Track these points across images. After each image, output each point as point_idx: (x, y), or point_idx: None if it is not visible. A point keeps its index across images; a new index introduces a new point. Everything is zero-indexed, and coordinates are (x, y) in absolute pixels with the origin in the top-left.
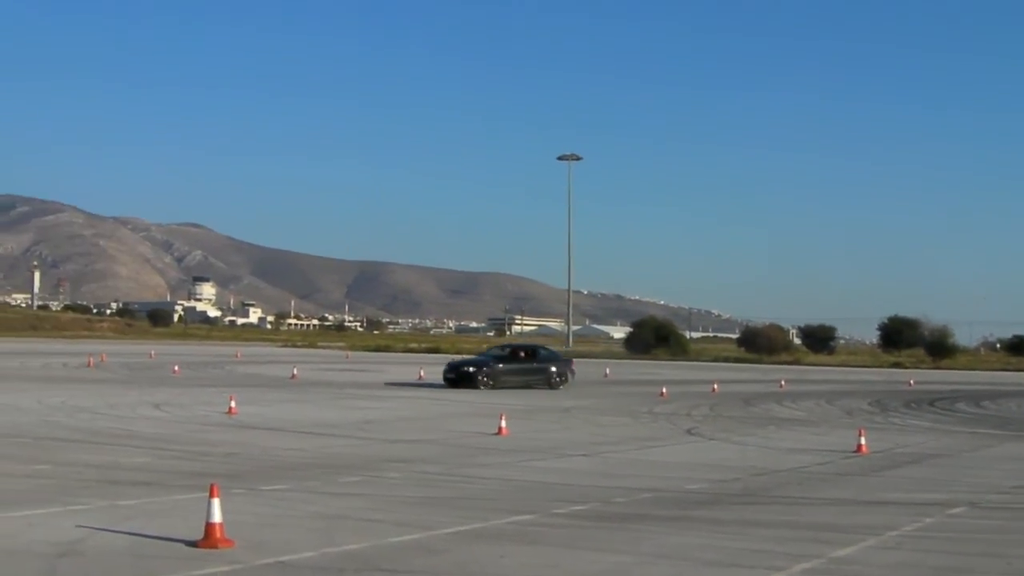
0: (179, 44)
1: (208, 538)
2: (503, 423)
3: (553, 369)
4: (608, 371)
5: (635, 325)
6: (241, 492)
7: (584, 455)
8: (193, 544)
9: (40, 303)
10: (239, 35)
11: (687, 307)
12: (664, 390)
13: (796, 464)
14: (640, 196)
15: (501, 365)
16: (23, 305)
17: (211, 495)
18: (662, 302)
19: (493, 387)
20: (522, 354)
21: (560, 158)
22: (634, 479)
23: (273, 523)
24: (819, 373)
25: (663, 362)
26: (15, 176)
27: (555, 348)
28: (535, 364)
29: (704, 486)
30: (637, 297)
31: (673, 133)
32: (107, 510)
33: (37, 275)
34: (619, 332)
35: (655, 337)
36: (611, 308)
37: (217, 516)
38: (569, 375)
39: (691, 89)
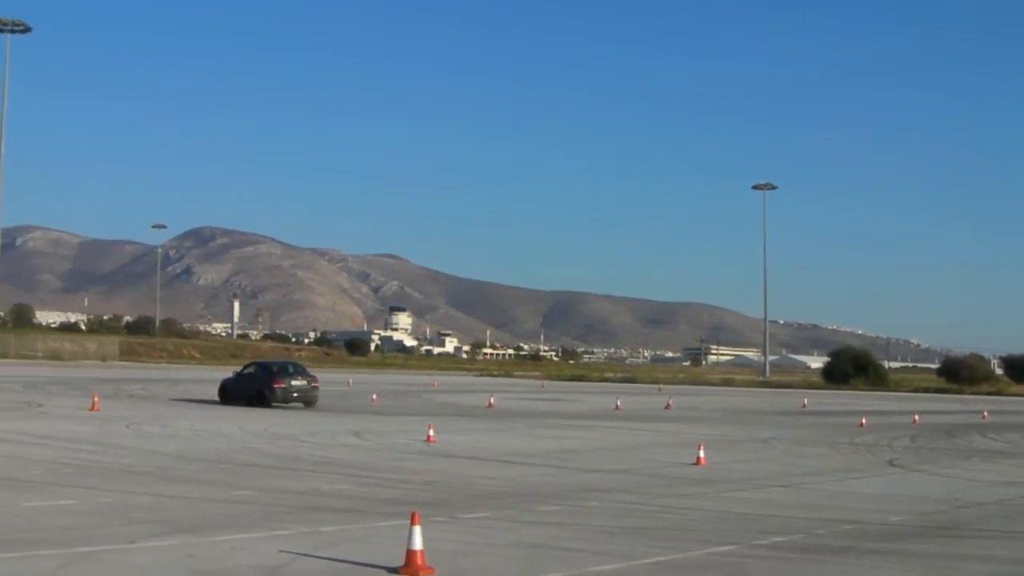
0: (374, 79)
1: (409, 565)
2: (701, 453)
3: None
4: (806, 401)
5: (832, 355)
6: (441, 520)
7: (784, 486)
8: (394, 571)
9: (240, 332)
10: (434, 72)
11: (885, 336)
12: (864, 420)
13: (1001, 497)
14: (836, 224)
15: None
16: (223, 334)
17: (412, 523)
18: (860, 331)
19: None
20: None
21: (755, 187)
22: (835, 510)
23: (473, 551)
24: (1023, 404)
25: (861, 392)
26: (215, 209)
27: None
28: None
29: (907, 518)
30: (834, 326)
31: (867, 161)
32: (309, 536)
33: (237, 305)
34: (816, 362)
35: (853, 367)
36: (807, 338)
37: (418, 543)
38: None
39: (877, 121)
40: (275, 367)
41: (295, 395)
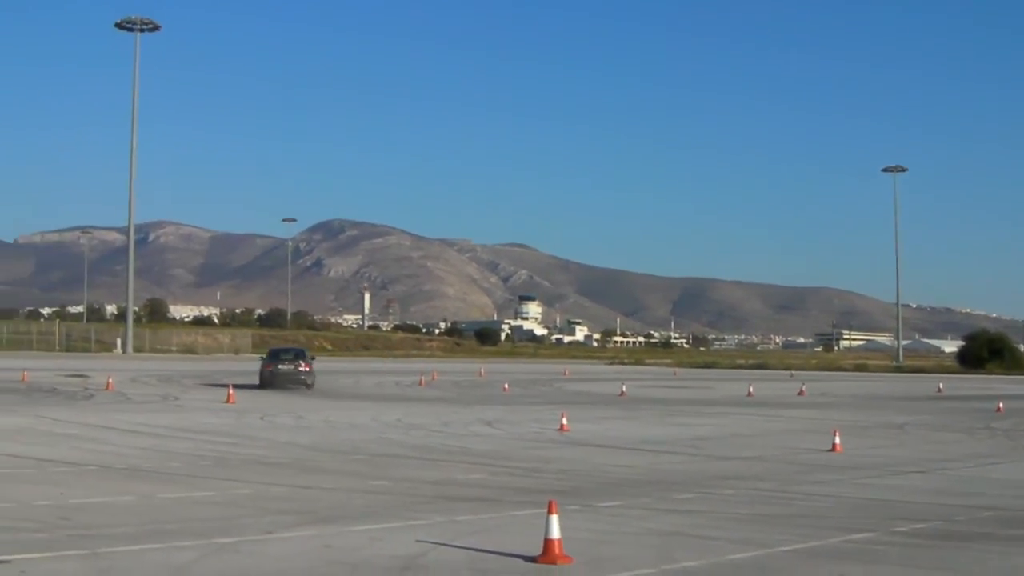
0: (502, 73)
1: (547, 554)
2: (837, 439)
3: None
4: (941, 386)
5: (967, 339)
6: (576, 508)
7: (920, 472)
8: (532, 560)
9: (370, 323)
10: (561, 67)
11: (1021, 319)
12: (1000, 405)
13: None
14: (969, 206)
15: None
16: (354, 325)
17: (549, 511)
18: (994, 314)
19: None
20: None
21: (885, 170)
22: (973, 496)
23: (609, 539)
24: None
25: (997, 376)
26: (344, 202)
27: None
28: None
29: None
30: (968, 309)
31: (1003, 141)
32: (445, 525)
33: (367, 296)
34: (950, 346)
35: (988, 351)
36: (941, 321)
37: (556, 532)
38: None
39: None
40: (271, 353)
41: (280, 378)
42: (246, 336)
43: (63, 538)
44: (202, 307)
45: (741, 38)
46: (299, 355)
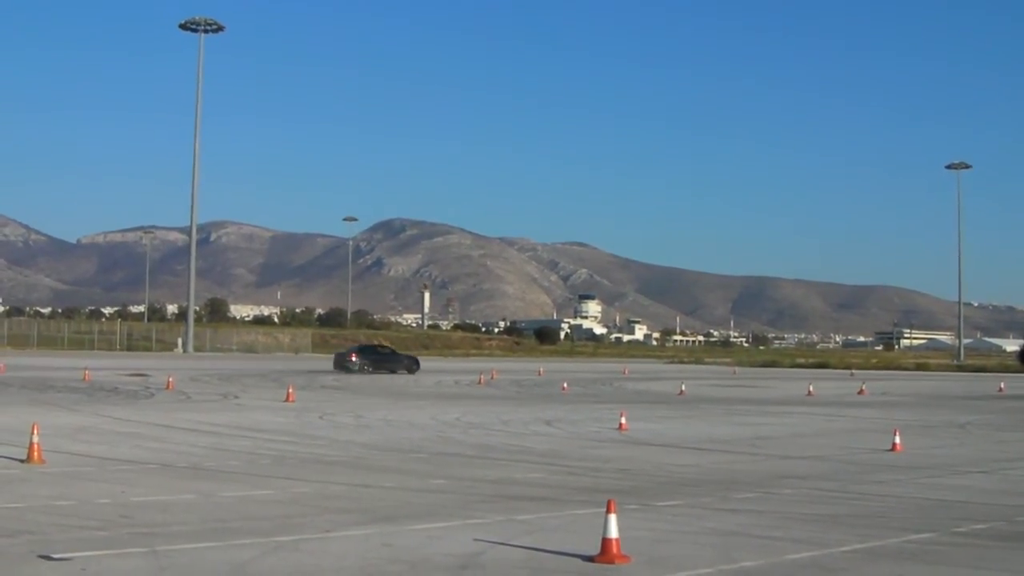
0: (562, 70)
1: (605, 553)
2: (897, 439)
3: None
4: (1003, 385)
5: None
6: (635, 508)
7: (982, 472)
8: (590, 559)
9: (430, 322)
10: (622, 65)
11: None
12: None
13: None
14: None
15: None
16: (414, 324)
17: (608, 510)
18: None
19: None
20: None
21: (949, 167)
22: None
23: (668, 539)
24: None
25: None
26: (405, 201)
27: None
28: None
29: None
30: None
31: None
32: (504, 524)
33: (427, 295)
34: (1012, 345)
35: None
36: (1003, 320)
37: (614, 531)
38: None
39: None
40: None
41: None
42: (306, 335)
43: (124, 536)
44: (263, 307)
45: (805, 35)
46: (378, 349)
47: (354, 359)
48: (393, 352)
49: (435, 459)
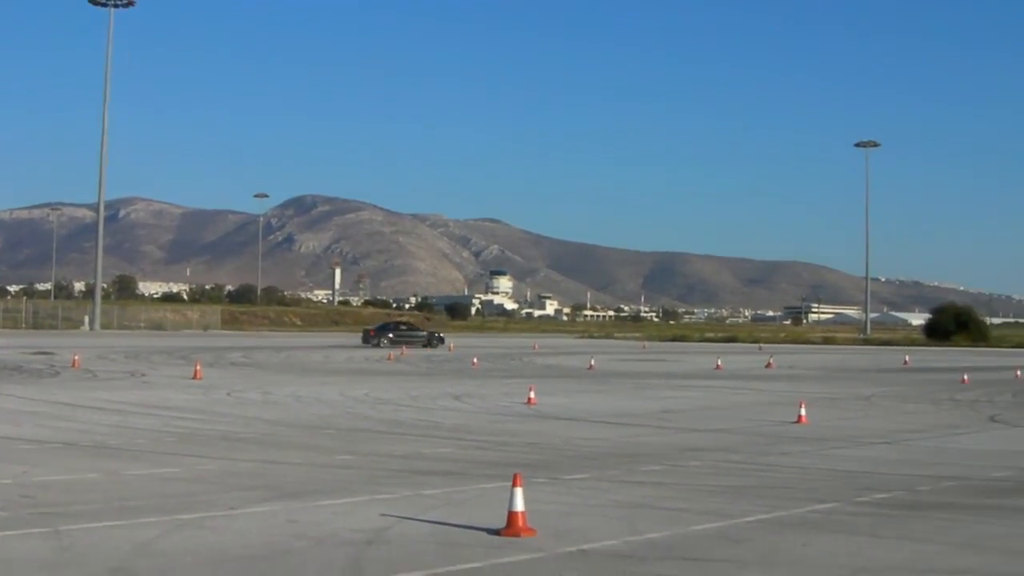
0: (466, 47)
1: (511, 527)
2: (803, 411)
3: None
4: (908, 358)
5: (934, 312)
6: (542, 481)
7: (886, 443)
8: (496, 532)
9: (341, 298)
10: (541, 40)
11: (987, 292)
12: (966, 377)
13: None
14: (938, 181)
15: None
16: (324, 301)
17: (514, 484)
18: (961, 287)
19: None
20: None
21: (858, 145)
22: (938, 467)
23: (575, 512)
24: None
25: (963, 349)
26: (316, 177)
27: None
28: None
29: (1010, 473)
30: (936, 283)
31: (970, 120)
32: (411, 499)
33: (338, 271)
34: (917, 319)
35: (955, 323)
36: (909, 295)
37: (520, 505)
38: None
39: (981, 80)
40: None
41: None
42: (215, 312)
43: (26, 516)
44: (172, 284)
45: (719, 10)
46: (405, 326)
47: (373, 335)
48: (411, 327)
49: (343, 435)
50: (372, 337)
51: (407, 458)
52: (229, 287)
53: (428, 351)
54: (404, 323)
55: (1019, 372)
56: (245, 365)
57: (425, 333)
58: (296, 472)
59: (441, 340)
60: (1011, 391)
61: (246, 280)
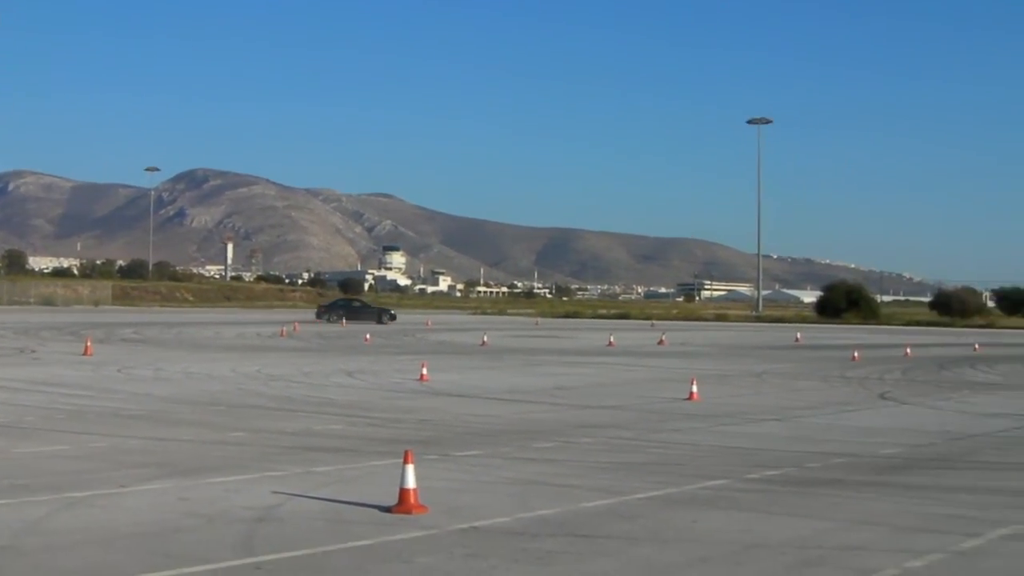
0: (366, 19)
1: (402, 503)
2: (694, 388)
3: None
4: (799, 335)
5: (826, 289)
6: (434, 458)
7: (777, 420)
8: (387, 510)
9: (233, 274)
10: (433, 11)
11: (878, 270)
12: (856, 354)
13: (993, 428)
14: (830, 159)
15: None
16: (217, 276)
17: (405, 461)
18: (852, 265)
19: None
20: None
21: (750, 122)
22: (828, 444)
23: (467, 488)
24: (1014, 336)
25: (854, 326)
26: (208, 151)
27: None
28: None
29: (899, 451)
30: (827, 261)
31: (862, 98)
32: (303, 476)
33: (230, 247)
34: (809, 296)
35: (846, 301)
36: (801, 272)
37: (411, 482)
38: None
39: (875, 59)
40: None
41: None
42: (106, 287)
43: None
44: (62, 259)
45: None
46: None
47: (324, 311)
48: (365, 305)
49: (234, 411)
50: (323, 312)
51: (299, 435)
52: (120, 262)
53: (379, 327)
54: (356, 300)
55: (909, 350)
56: (137, 342)
57: (376, 309)
58: (187, 449)
59: (393, 316)
60: (900, 368)
61: (137, 255)
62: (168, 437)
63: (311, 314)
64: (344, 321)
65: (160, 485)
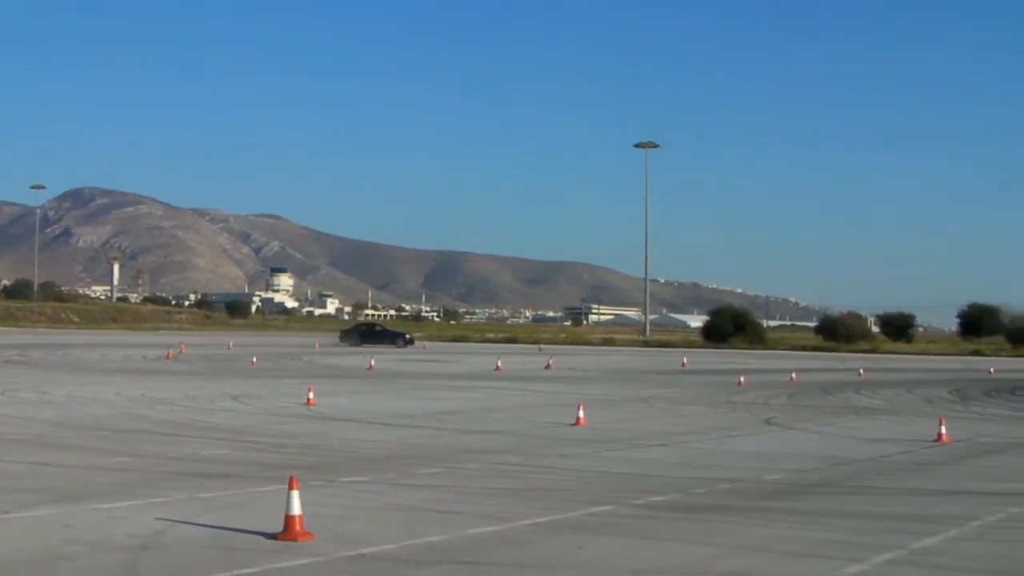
0: (252, 37)
1: (288, 530)
2: (581, 413)
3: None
4: (686, 360)
5: (712, 314)
6: (320, 484)
7: (663, 445)
8: (273, 536)
9: (120, 295)
10: (307, 26)
11: (764, 295)
12: (742, 379)
13: (876, 454)
14: (716, 183)
15: None
16: (103, 297)
17: (290, 487)
18: (739, 290)
19: None
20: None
21: (637, 145)
22: (713, 469)
23: (353, 515)
24: (898, 361)
25: (740, 351)
26: (94, 169)
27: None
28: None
29: (783, 476)
30: (714, 285)
31: (748, 123)
32: (188, 503)
33: (116, 267)
34: (696, 321)
35: (732, 326)
36: (688, 297)
37: (296, 508)
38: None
39: (760, 82)
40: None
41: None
42: None
43: None
44: None
45: (499, 3)
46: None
47: (347, 334)
48: (384, 330)
49: (119, 436)
50: (345, 336)
51: (184, 460)
52: (4, 282)
53: (398, 349)
54: (376, 325)
55: (794, 375)
56: (22, 364)
57: (392, 333)
58: (71, 474)
59: (411, 341)
60: (786, 393)
61: (22, 275)
62: (52, 462)
63: (197, 336)
64: (361, 344)
65: (43, 511)
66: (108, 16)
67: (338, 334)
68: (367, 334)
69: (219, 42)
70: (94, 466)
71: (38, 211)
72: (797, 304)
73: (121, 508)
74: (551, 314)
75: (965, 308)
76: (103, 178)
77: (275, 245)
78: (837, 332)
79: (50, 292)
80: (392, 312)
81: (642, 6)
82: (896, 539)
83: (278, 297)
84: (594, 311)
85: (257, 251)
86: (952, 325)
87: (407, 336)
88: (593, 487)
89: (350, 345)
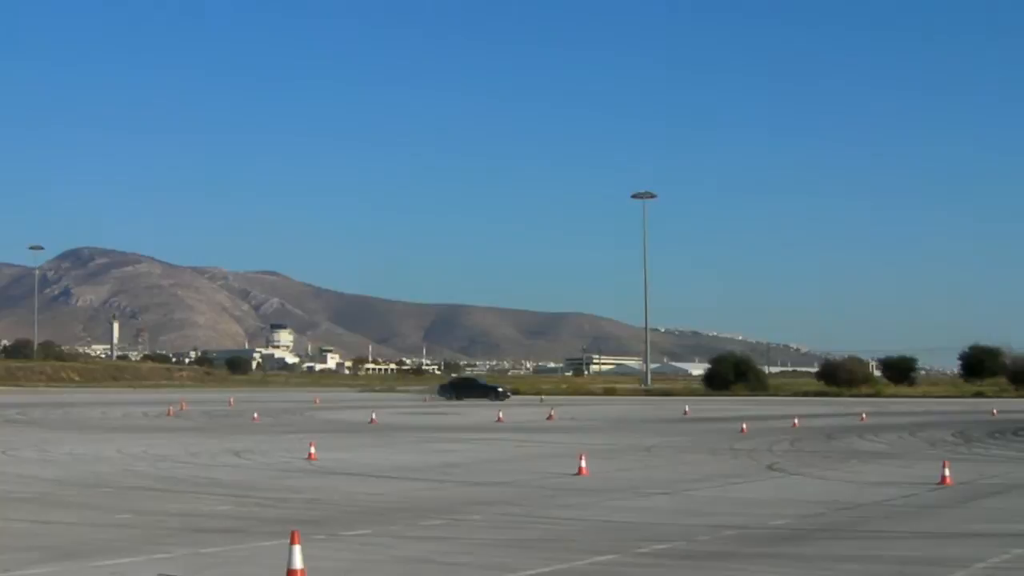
0: (247, 98)
1: None
2: (583, 463)
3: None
4: (688, 408)
5: (713, 362)
6: (323, 538)
7: (666, 493)
8: None
9: (120, 353)
10: (305, 80)
11: (765, 342)
12: (744, 426)
13: (880, 497)
14: (715, 231)
15: None
16: (103, 356)
17: (292, 542)
18: (740, 337)
19: None
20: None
21: (635, 196)
22: (717, 516)
23: (355, 568)
24: (900, 405)
25: (742, 398)
26: (93, 229)
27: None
28: None
29: (788, 522)
30: (715, 333)
31: (745, 170)
32: (190, 558)
33: (116, 326)
34: (697, 369)
35: (734, 373)
36: (689, 345)
37: (299, 563)
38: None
39: (755, 129)
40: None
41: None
42: None
43: None
44: None
45: (493, 52)
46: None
47: (444, 389)
48: (481, 384)
49: (121, 493)
50: (444, 390)
51: (185, 516)
52: (4, 342)
53: (492, 402)
54: (472, 379)
55: (797, 420)
56: (24, 423)
57: (489, 387)
58: (73, 532)
59: (506, 395)
60: (789, 439)
61: (22, 335)
62: (53, 519)
63: (198, 393)
64: (461, 398)
65: (45, 569)
66: (105, 78)
67: (435, 388)
68: (465, 387)
69: (214, 101)
70: (96, 523)
71: (37, 271)
72: (798, 350)
73: (123, 564)
74: (552, 365)
75: (967, 350)
76: (101, 238)
77: (275, 302)
78: (839, 377)
79: (50, 351)
80: (393, 366)
81: (635, 56)
82: None
83: (278, 353)
84: (595, 361)
85: (257, 308)
86: (954, 367)
87: (500, 389)
88: (596, 536)
89: (447, 399)
